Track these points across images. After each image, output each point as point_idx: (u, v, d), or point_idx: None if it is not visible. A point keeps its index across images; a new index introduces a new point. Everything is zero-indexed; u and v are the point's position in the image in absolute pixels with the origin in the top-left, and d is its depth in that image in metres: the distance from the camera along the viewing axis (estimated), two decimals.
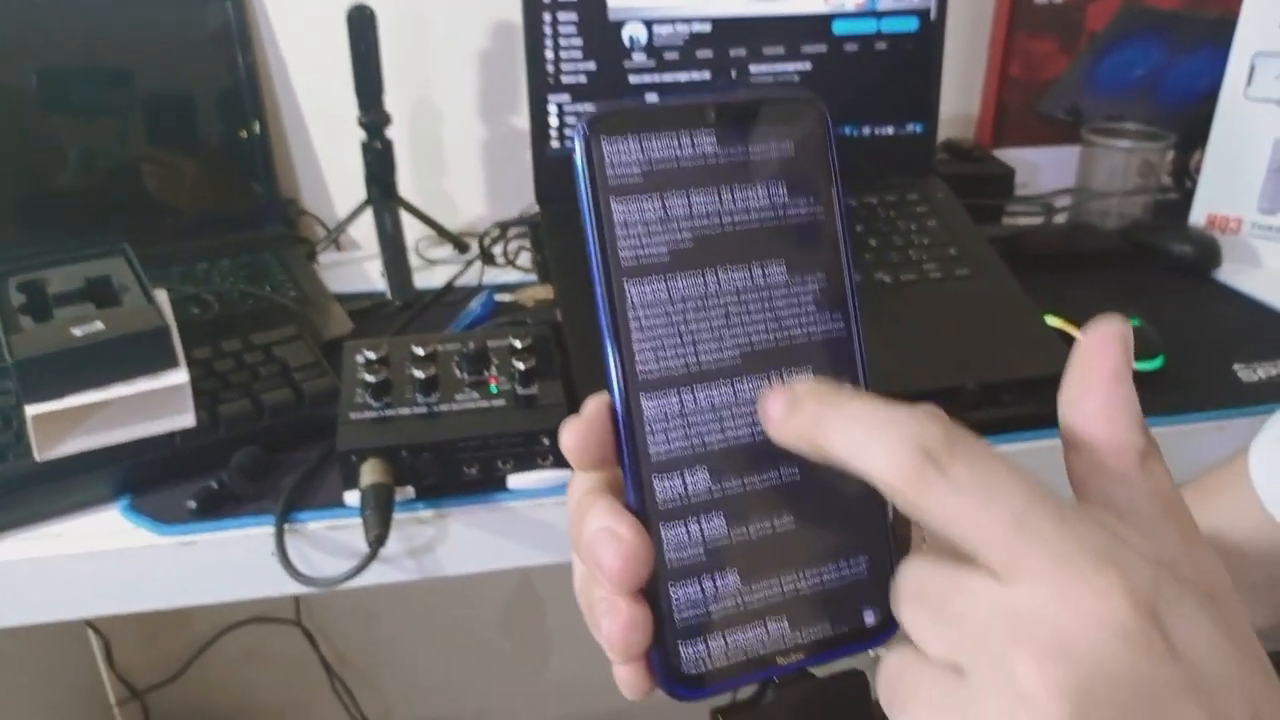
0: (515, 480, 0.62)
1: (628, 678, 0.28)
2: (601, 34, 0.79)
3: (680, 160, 0.28)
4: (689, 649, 0.27)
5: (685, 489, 0.28)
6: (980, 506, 0.23)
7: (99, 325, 0.60)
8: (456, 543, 0.62)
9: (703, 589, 0.28)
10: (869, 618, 0.29)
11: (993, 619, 0.22)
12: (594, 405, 0.28)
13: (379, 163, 0.87)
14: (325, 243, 0.97)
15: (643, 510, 0.27)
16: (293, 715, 1.32)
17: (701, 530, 0.28)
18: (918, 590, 0.25)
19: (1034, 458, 0.67)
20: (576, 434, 0.28)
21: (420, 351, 0.63)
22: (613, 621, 0.27)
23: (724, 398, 0.28)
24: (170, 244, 0.91)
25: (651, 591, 0.27)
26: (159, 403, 0.61)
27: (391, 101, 0.88)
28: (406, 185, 0.96)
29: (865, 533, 0.29)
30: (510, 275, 0.94)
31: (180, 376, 0.61)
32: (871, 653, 0.29)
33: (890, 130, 0.85)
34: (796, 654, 0.28)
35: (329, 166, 1.01)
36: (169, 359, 0.61)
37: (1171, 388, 0.72)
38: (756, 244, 0.29)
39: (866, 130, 0.84)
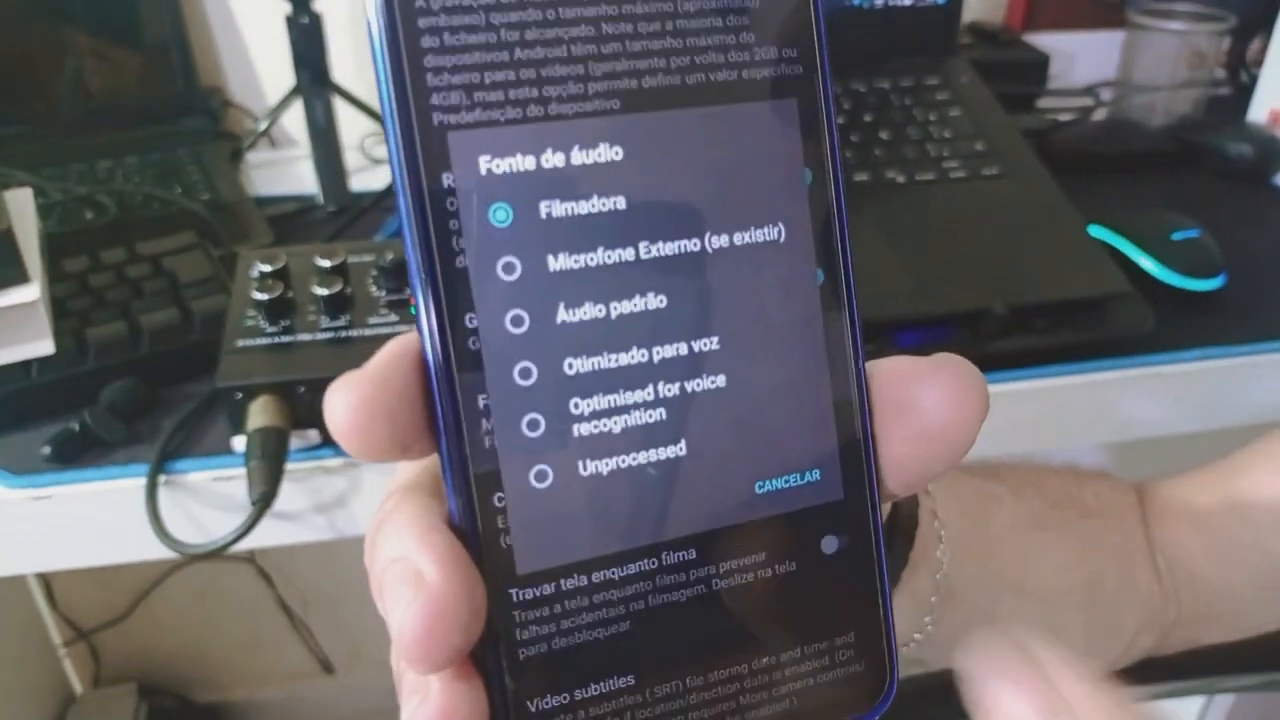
0: None
1: None
2: None
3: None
4: None
5: (540, 495, 0.17)
6: None
7: None
8: (373, 495, 0.51)
9: (575, 660, 0.17)
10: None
11: None
12: (391, 354, 0.16)
13: (306, 41, 0.74)
14: (253, 139, 0.84)
15: (473, 529, 0.16)
16: (251, 656, 1.24)
17: (574, 566, 0.17)
18: None
19: (1072, 394, 0.56)
20: (354, 402, 0.16)
21: (325, 263, 0.51)
22: (418, 710, 0.16)
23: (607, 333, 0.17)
24: (71, 138, 0.80)
25: (488, 656, 0.16)
26: (7, 325, 0.51)
27: None
28: (348, 71, 0.83)
29: (847, 590, 0.18)
30: None
31: (30, 293, 0.50)
32: None
33: (907, 1, 0.71)
34: None
35: (260, 51, 0.88)
36: (16, 272, 0.50)
37: (1233, 312, 0.62)
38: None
39: (879, 0, 0.71)
